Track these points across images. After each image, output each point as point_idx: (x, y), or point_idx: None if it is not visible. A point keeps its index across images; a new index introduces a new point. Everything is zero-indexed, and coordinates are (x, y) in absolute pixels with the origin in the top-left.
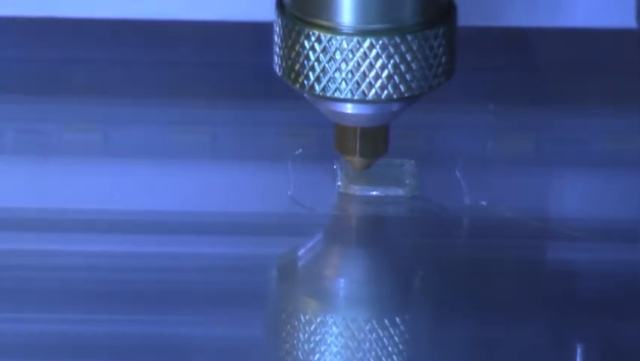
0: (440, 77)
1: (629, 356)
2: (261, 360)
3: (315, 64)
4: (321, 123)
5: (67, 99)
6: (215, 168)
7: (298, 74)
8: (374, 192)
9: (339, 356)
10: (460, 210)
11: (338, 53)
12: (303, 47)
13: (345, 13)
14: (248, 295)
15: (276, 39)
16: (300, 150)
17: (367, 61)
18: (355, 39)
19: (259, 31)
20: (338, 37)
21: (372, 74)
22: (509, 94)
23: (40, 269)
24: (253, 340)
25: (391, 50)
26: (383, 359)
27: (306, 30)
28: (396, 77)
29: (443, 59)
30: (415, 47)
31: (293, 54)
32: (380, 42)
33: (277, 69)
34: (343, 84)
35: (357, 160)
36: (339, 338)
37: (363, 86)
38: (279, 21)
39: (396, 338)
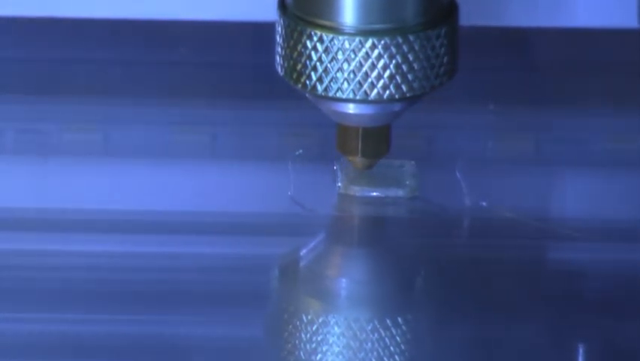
0: (442, 77)
1: (629, 356)
2: (262, 360)
3: (317, 64)
4: (322, 124)
5: (67, 99)
6: (215, 168)
7: (300, 74)
8: (374, 193)
9: (340, 356)
10: (460, 211)
11: (340, 53)
12: (305, 47)
13: (347, 13)
14: (248, 296)
15: (278, 39)
16: (301, 151)
17: (369, 61)
18: (357, 39)
19: (259, 31)
20: (340, 38)
21: (375, 74)
22: (509, 94)
23: (40, 269)
24: (253, 340)
25: (393, 50)
26: (385, 358)
27: (308, 30)
28: (398, 77)
29: (445, 59)
30: (417, 47)
31: (295, 54)
32: (382, 42)
33: (279, 69)
34: (345, 84)
35: (359, 160)
36: (341, 338)
37: (366, 86)
38: (281, 21)
39: (397, 338)
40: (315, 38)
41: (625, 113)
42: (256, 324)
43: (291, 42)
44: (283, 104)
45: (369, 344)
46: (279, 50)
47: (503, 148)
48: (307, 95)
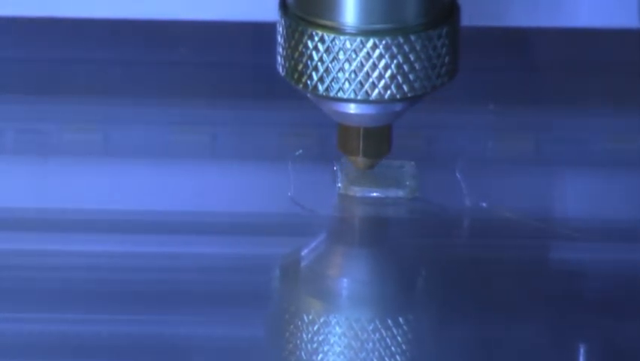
0: (443, 77)
1: (629, 356)
2: (263, 360)
3: (319, 64)
4: (322, 124)
5: (67, 99)
6: (215, 168)
7: (301, 74)
8: (374, 194)
9: (342, 357)
10: (460, 211)
11: (341, 53)
12: (306, 47)
13: (348, 13)
14: (248, 295)
15: (279, 39)
16: (301, 151)
17: (370, 61)
18: (358, 39)
19: (259, 31)
20: (341, 38)
21: (376, 74)
22: (509, 94)
23: (40, 269)
24: (254, 340)
25: (394, 50)
26: (386, 358)
27: (310, 30)
28: (399, 77)
29: (446, 59)
30: (418, 47)
31: (296, 54)
32: (383, 42)
33: (280, 69)
34: (346, 84)
35: (360, 160)
36: (342, 338)
37: (367, 86)
38: (283, 21)
39: (399, 338)
40: (316, 38)
41: (625, 113)
42: (257, 324)
43: (293, 42)
44: (283, 104)
45: (371, 344)
46: (281, 50)
47: (503, 148)
48: (308, 95)
